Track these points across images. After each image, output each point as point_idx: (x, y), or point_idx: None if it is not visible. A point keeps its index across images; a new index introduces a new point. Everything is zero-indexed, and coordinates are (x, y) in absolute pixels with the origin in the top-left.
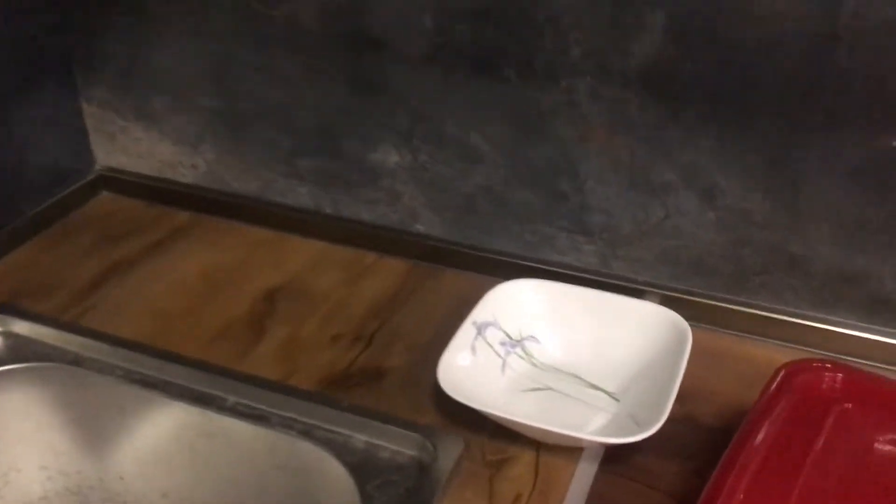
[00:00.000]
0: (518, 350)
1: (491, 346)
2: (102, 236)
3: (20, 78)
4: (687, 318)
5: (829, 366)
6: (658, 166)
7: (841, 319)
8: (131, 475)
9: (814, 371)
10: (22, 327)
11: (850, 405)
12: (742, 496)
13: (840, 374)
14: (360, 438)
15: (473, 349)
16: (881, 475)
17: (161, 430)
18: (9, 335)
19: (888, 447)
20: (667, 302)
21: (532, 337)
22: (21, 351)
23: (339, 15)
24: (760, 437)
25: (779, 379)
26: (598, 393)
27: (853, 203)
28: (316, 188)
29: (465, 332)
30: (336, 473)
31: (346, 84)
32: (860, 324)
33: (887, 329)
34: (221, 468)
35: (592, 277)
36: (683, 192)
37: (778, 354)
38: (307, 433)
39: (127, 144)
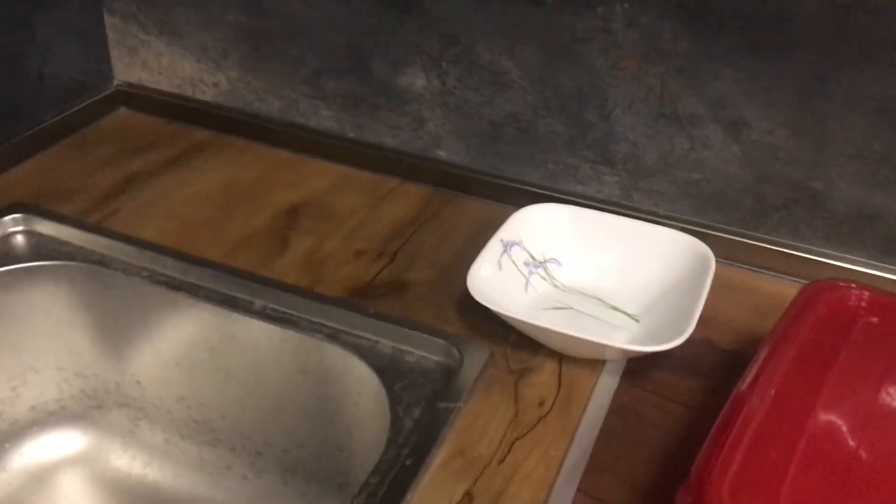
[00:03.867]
0: (540, 271)
1: (515, 264)
2: (120, 149)
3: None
4: None
5: (854, 285)
6: (687, 97)
7: (857, 258)
8: (149, 379)
9: (840, 289)
10: (45, 227)
11: (876, 319)
12: (770, 401)
13: (866, 292)
14: (386, 344)
15: (499, 265)
16: None
17: (183, 333)
18: (32, 234)
19: None
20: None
21: (554, 259)
22: (44, 249)
23: None
24: (787, 347)
25: (806, 295)
26: (619, 314)
27: (878, 141)
28: (340, 111)
29: (493, 247)
30: (363, 376)
31: (375, 2)
32: (876, 262)
33: (894, 265)
34: (243, 373)
35: (613, 209)
36: (710, 124)
37: (793, 290)
38: (334, 337)
39: (148, 59)
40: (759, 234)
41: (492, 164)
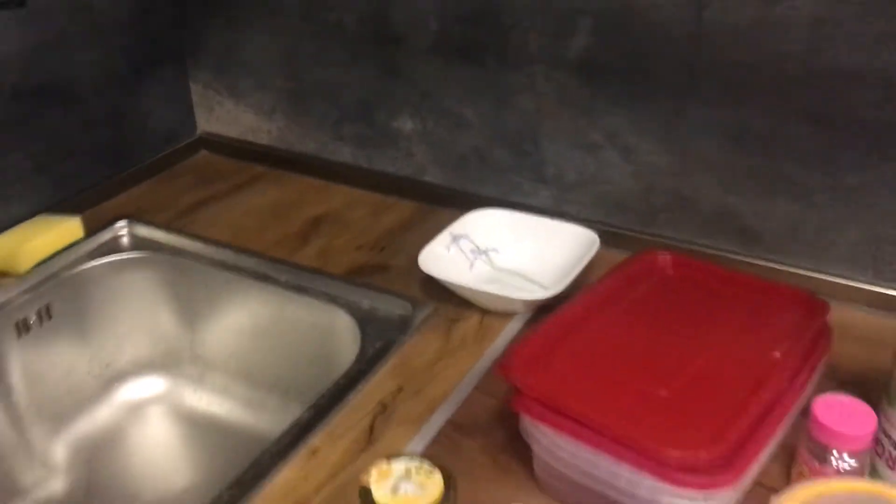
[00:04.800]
0: (483, 257)
1: (463, 251)
2: (199, 180)
3: (147, 62)
4: (612, 246)
5: (666, 252)
6: (590, 131)
7: (722, 246)
8: (210, 341)
9: (655, 254)
10: (142, 230)
11: (672, 272)
12: (568, 314)
13: (670, 255)
14: (366, 303)
15: (448, 250)
16: (677, 311)
17: (234, 303)
18: (133, 235)
19: (689, 293)
20: (601, 235)
21: (494, 249)
22: (141, 245)
23: (370, 19)
24: (600, 286)
25: (632, 258)
26: (534, 285)
27: (725, 157)
28: (355, 148)
29: (443, 238)
30: (348, 324)
31: (376, 70)
32: (734, 248)
33: (752, 253)
34: (274, 330)
35: (549, 217)
36: (609, 150)
37: None
38: (333, 300)
39: (221, 115)
40: (651, 231)
41: (462, 184)
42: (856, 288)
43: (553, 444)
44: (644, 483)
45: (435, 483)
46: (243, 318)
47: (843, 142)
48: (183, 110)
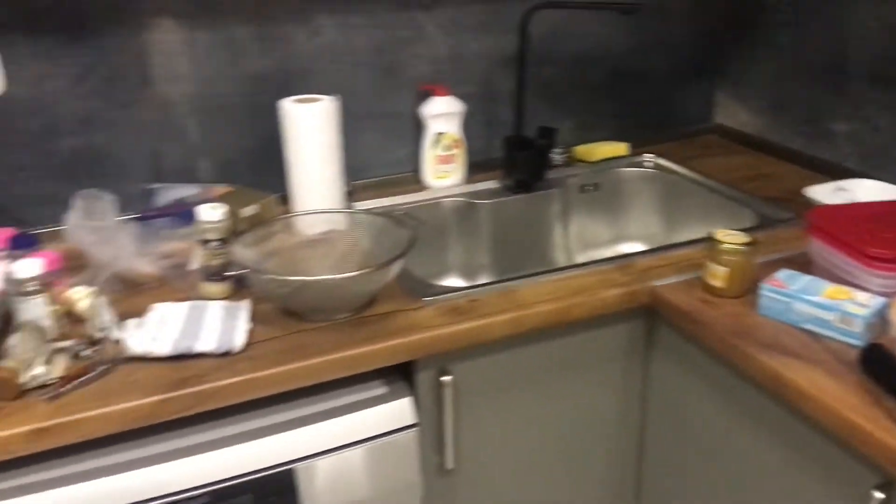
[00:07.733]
0: None
1: (841, 200)
2: (701, 147)
3: (691, 73)
4: None
5: None
6: None
7: None
8: (678, 229)
9: None
10: (660, 161)
11: None
12: None
13: None
14: (755, 206)
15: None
16: None
17: (690, 204)
18: (654, 162)
19: None
20: None
21: None
22: (656, 168)
23: (827, 55)
24: None
25: None
26: None
27: None
28: (805, 140)
29: (829, 185)
30: (749, 216)
31: (822, 87)
32: None
33: None
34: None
35: None
36: None
37: None
38: (737, 201)
39: (729, 113)
40: None
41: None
42: None
43: None
44: None
45: (743, 237)
46: (696, 216)
47: None
48: (708, 107)
